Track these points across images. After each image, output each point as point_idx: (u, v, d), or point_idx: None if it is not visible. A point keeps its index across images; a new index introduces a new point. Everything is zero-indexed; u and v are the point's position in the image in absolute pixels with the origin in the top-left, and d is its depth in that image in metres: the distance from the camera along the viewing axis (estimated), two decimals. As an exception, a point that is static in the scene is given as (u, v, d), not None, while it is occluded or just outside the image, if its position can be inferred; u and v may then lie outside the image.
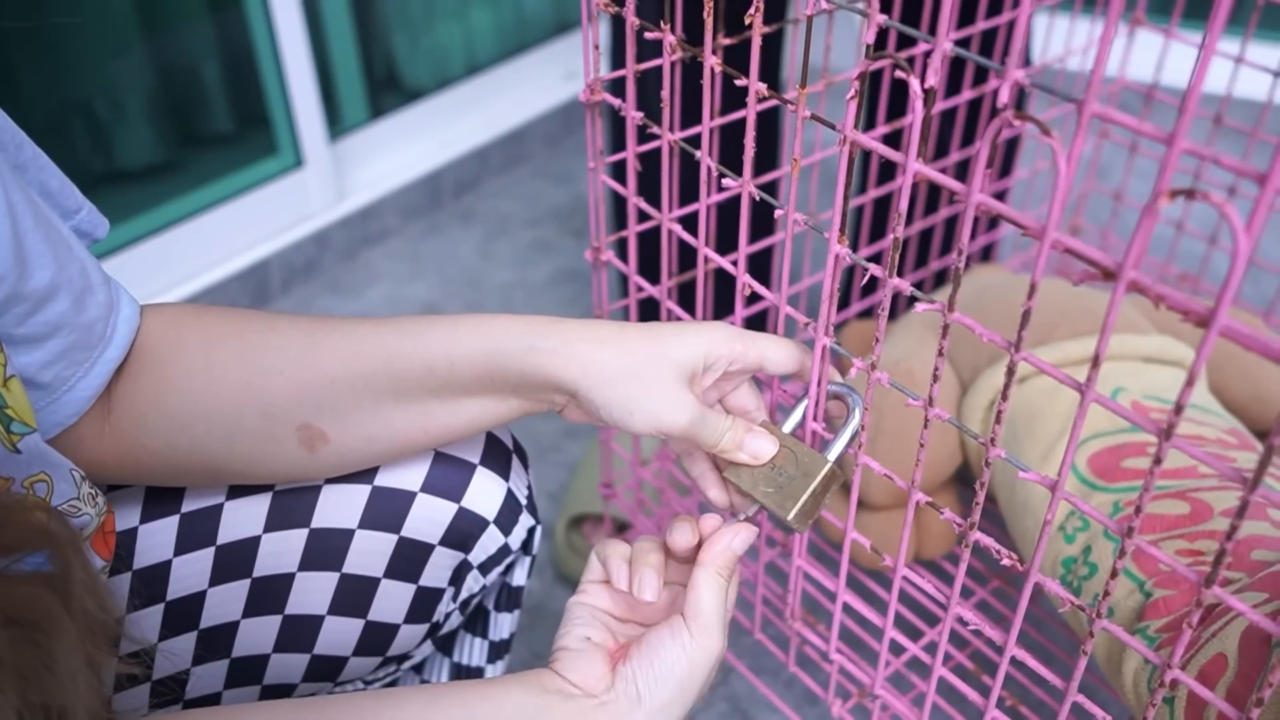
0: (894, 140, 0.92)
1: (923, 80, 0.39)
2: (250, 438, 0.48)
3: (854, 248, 1.04)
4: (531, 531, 0.59)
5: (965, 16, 0.86)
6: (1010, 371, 0.41)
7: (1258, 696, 0.38)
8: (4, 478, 0.41)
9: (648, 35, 0.52)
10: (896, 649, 0.77)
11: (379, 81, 1.64)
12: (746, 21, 0.46)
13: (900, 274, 0.96)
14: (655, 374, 0.46)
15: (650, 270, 0.72)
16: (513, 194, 1.70)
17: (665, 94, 0.53)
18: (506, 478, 0.55)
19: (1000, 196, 1.00)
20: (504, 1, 1.79)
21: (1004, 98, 0.38)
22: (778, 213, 0.51)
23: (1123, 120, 0.35)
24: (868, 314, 0.98)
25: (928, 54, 0.86)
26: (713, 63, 0.50)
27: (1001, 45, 0.90)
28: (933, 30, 0.84)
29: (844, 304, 1.02)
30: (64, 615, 0.34)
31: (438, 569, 0.56)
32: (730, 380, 0.51)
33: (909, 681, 0.78)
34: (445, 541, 0.55)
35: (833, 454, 0.50)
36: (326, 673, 0.58)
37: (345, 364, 0.47)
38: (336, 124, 1.56)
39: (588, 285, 1.44)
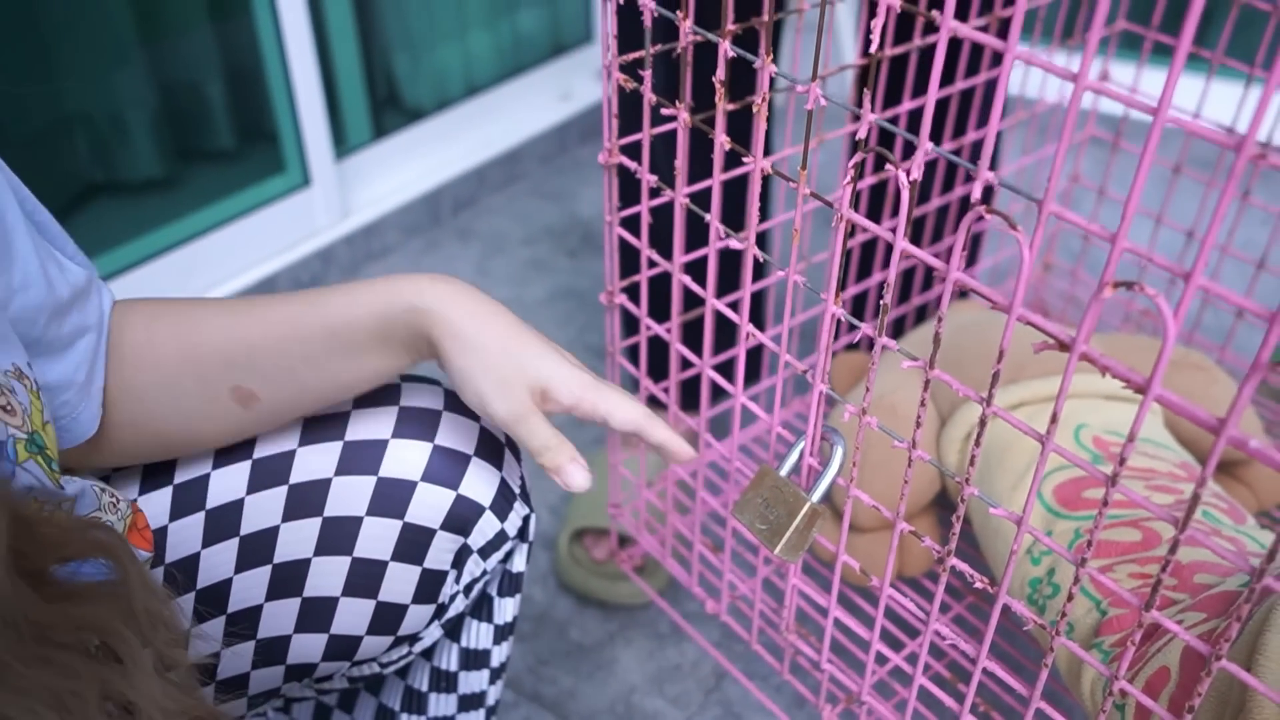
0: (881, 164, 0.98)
1: (908, 173, 0.46)
2: (193, 400, 0.56)
3: (843, 285, 1.10)
4: (527, 519, 0.63)
5: (947, 66, 0.92)
6: (982, 422, 0.47)
7: (1189, 704, 0.45)
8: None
9: (663, 111, 0.58)
10: (881, 659, 0.83)
11: (381, 102, 1.69)
12: (755, 110, 0.52)
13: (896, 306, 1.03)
14: (495, 364, 0.53)
15: (657, 307, 0.78)
16: (509, 212, 1.75)
17: (679, 164, 0.60)
18: (500, 468, 0.61)
19: (978, 237, 1.06)
20: (502, 24, 1.84)
21: (976, 195, 0.44)
22: (778, 272, 0.57)
23: (1074, 219, 0.42)
24: (853, 346, 1.04)
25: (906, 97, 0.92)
26: (723, 140, 0.56)
27: (979, 100, 0.96)
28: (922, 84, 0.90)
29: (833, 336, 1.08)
30: (128, 623, 0.38)
31: (440, 552, 0.60)
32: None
33: (892, 689, 0.85)
34: (446, 526, 0.59)
35: (815, 494, 0.56)
36: (344, 652, 0.62)
37: (261, 334, 0.55)
38: (341, 143, 1.61)
39: (582, 303, 1.50)
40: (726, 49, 0.52)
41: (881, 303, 0.50)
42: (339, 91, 1.59)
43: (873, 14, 0.84)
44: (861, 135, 0.47)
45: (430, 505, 0.59)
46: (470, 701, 0.71)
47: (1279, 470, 0.36)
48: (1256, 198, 1.30)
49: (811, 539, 0.57)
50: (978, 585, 0.52)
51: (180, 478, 0.59)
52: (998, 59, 0.94)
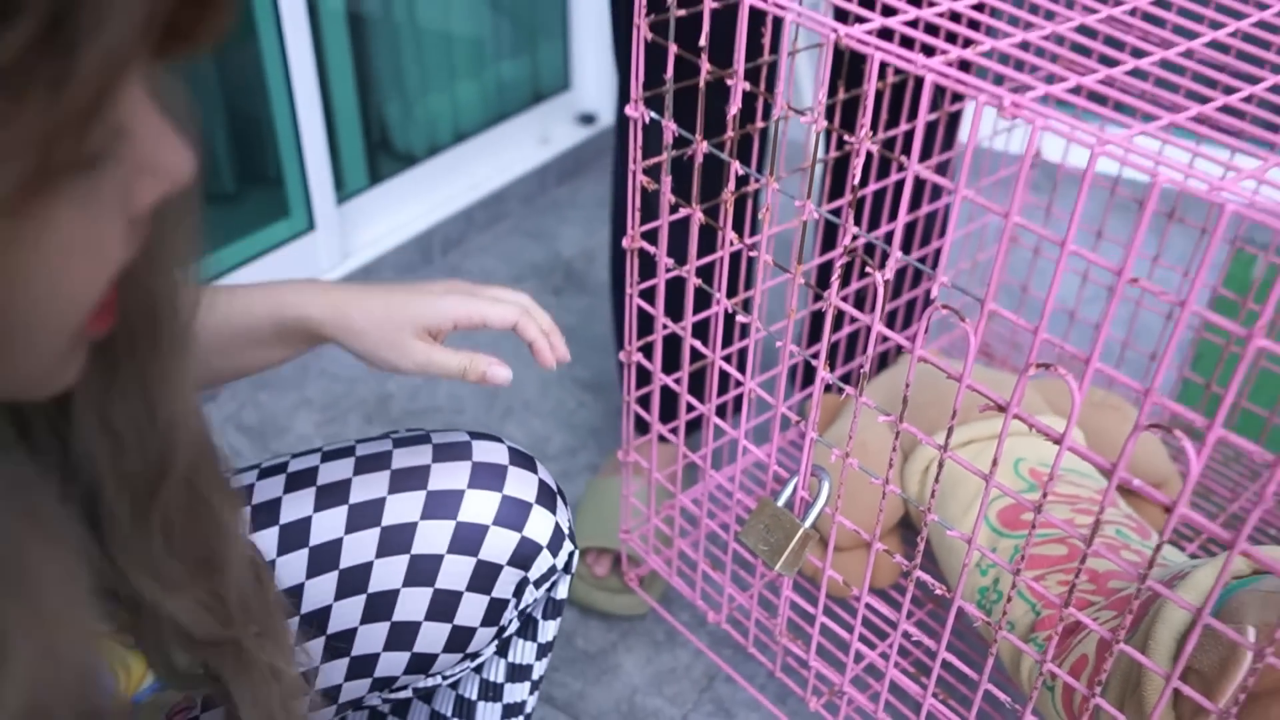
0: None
1: (882, 270, 0.59)
2: None
3: (817, 338, 1.25)
4: (572, 555, 0.75)
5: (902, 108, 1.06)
6: (940, 464, 0.61)
7: (1097, 679, 0.59)
8: None
9: (681, 209, 0.71)
10: (858, 657, 0.97)
11: (376, 147, 1.80)
12: (760, 217, 0.65)
13: (851, 358, 1.17)
14: (386, 331, 0.67)
15: (667, 356, 0.91)
16: (495, 251, 1.86)
17: (691, 250, 0.73)
18: (554, 512, 0.73)
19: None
20: (486, 74, 1.96)
21: (934, 292, 0.58)
22: (777, 343, 0.70)
23: (1010, 317, 0.56)
24: (826, 389, 1.19)
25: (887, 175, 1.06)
26: (731, 237, 0.69)
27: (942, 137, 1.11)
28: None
29: (808, 380, 1.23)
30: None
31: (505, 584, 0.72)
32: None
33: (866, 682, 0.98)
34: (511, 562, 0.71)
35: (808, 521, 0.70)
36: (421, 667, 0.74)
37: None
38: (341, 188, 1.72)
39: (569, 340, 1.59)
40: (737, 168, 0.66)
41: (861, 371, 0.63)
42: (339, 138, 1.69)
43: (845, 99, 0.99)
44: (846, 242, 0.61)
45: (500, 545, 0.71)
46: (512, 710, 0.82)
47: (1154, 502, 0.50)
48: (1173, 246, 1.47)
49: (805, 557, 0.71)
50: (937, 593, 0.66)
51: (285, 519, 0.70)
52: (950, 135, 1.09)
